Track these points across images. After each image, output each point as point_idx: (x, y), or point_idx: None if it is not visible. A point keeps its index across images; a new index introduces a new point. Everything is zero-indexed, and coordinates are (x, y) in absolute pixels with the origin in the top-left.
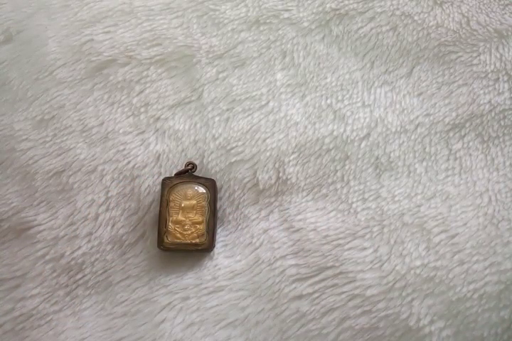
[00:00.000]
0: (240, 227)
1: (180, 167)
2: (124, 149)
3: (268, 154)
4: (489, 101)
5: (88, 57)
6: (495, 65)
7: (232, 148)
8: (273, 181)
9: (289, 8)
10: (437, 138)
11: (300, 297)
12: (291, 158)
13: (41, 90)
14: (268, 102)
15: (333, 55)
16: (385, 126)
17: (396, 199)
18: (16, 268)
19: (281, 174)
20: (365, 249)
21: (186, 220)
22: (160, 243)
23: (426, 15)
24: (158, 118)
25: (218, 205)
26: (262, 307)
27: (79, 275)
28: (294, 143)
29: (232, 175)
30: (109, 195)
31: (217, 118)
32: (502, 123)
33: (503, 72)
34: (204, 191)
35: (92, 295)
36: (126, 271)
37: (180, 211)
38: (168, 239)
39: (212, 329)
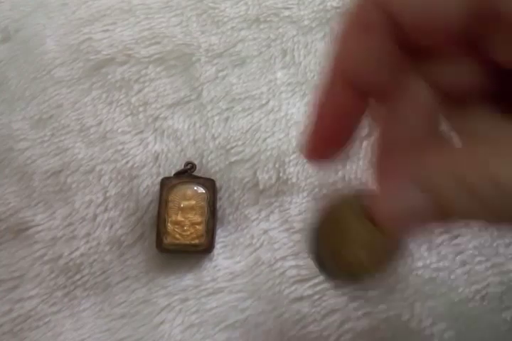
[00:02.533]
0: (239, 228)
1: (180, 167)
2: (122, 149)
3: (268, 154)
4: None
5: (86, 55)
6: None
7: (231, 148)
8: (273, 181)
9: (290, 6)
10: None
11: (300, 298)
12: (292, 157)
13: (39, 89)
14: (268, 101)
15: None
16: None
17: None
18: (13, 269)
19: (281, 174)
20: None
21: (185, 221)
22: (159, 244)
23: None
24: (157, 118)
25: (218, 205)
26: (261, 309)
27: (77, 276)
28: (294, 143)
29: (232, 175)
30: (108, 195)
31: (216, 118)
32: None
33: None
34: (203, 191)
35: (91, 296)
36: (124, 272)
37: (180, 211)
38: (167, 240)
39: (211, 331)
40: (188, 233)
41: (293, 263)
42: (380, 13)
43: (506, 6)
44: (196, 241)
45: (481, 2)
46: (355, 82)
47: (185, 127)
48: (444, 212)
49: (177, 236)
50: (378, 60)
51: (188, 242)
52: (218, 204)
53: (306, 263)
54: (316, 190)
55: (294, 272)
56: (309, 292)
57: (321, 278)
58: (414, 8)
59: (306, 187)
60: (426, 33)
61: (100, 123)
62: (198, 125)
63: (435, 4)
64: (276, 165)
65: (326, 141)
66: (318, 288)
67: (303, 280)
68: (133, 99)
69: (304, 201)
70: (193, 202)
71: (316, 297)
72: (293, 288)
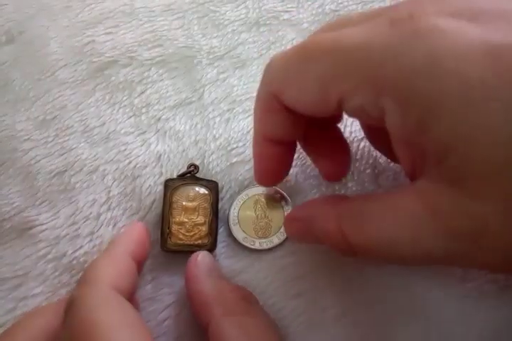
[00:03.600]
0: None
1: (181, 167)
2: (125, 149)
3: None
4: None
5: (90, 58)
6: None
7: (232, 149)
8: None
9: (289, 9)
10: None
11: (299, 294)
12: None
13: (43, 91)
14: None
15: None
16: None
17: None
18: (18, 268)
19: None
20: None
21: (189, 222)
22: (163, 244)
23: None
24: (159, 119)
25: (220, 206)
26: (262, 304)
27: (81, 275)
28: None
29: (233, 176)
30: (111, 194)
31: (217, 119)
32: None
33: None
34: (206, 192)
35: None
36: None
37: (183, 212)
38: (171, 240)
39: None
40: (192, 234)
41: (291, 260)
42: (276, 101)
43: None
44: (199, 242)
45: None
46: (271, 139)
47: (187, 128)
48: (316, 241)
49: (181, 236)
50: (279, 126)
51: (191, 242)
52: (220, 204)
53: (304, 260)
54: (314, 190)
55: (292, 268)
56: (307, 288)
57: (319, 274)
58: (295, 104)
59: (304, 188)
60: (303, 112)
61: (103, 124)
62: (199, 126)
63: (304, 103)
64: None
65: (266, 176)
66: (316, 283)
67: (301, 276)
68: (136, 101)
69: (301, 201)
70: (196, 204)
71: (314, 292)
72: (291, 283)
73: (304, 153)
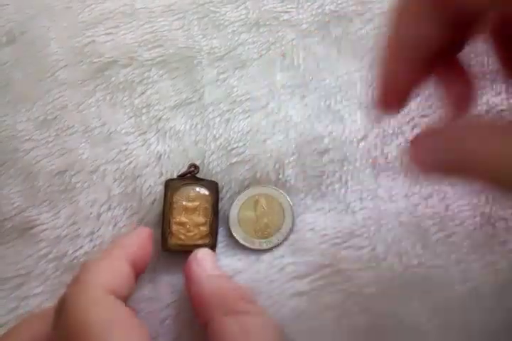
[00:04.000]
0: None
1: (182, 166)
2: (126, 149)
3: (268, 155)
4: (487, 102)
5: (90, 58)
6: (492, 65)
7: (232, 149)
8: (272, 182)
9: (289, 10)
10: None
11: (298, 294)
12: (291, 159)
13: (44, 91)
14: (268, 103)
15: (332, 56)
16: (382, 127)
17: (393, 198)
18: (19, 267)
19: (280, 175)
20: (362, 247)
21: (189, 222)
22: (164, 244)
23: None
24: (159, 119)
25: (219, 206)
26: (260, 304)
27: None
28: (293, 144)
29: (233, 176)
30: (111, 194)
31: (217, 119)
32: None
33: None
34: (207, 193)
35: None
36: None
37: (184, 212)
38: (172, 240)
39: None
40: (192, 234)
41: (291, 260)
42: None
43: None
44: (200, 242)
45: None
46: (409, 49)
47: (187, 128)
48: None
49: (181, 236)
50: (424, 28)
51: (192, 243)
52: (220, 204)
53: (304, 261)
54: (314, 190)
55: (291, 268)
56: (307, 288)
57: (319, 274)
58: None
59: (304, 188)
60: None
61: (104, 124)
62: (199, 126)
63: None
64: (276, 167)
65: (391, 95)
66: (316, 284)
67: (300, 277)
68: (136, 101)
69: (301, 202)
70: (196, 204)
71: (314, 293)
72: (291, 283)
73: (305, 153)
